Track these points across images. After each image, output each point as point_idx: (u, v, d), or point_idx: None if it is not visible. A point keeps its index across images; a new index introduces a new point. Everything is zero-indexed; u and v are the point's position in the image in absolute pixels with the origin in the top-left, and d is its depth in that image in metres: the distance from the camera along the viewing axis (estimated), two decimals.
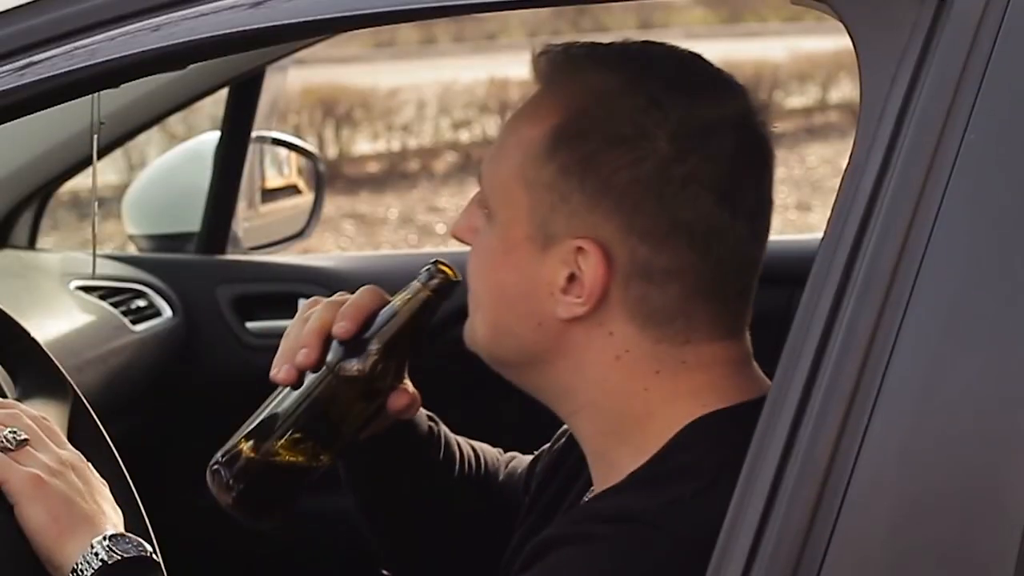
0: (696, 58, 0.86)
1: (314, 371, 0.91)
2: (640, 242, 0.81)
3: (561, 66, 0.85)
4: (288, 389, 0.92)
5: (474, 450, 1.03)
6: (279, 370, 0.91)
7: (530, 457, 1.03)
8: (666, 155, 0.80)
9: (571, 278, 0.82)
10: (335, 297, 0.93)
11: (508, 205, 0.84)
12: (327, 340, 0.91)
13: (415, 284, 0.91)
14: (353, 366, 0.90)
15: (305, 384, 0.91)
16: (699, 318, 0.83)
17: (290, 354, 0.91)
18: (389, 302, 0.92)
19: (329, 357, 0.91)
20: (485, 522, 1.01)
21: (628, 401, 0.84)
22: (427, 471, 0.99)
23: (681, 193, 0.80)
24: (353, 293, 0.92)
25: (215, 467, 0.92)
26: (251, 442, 0.91)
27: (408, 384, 0.94)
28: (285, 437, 0.91)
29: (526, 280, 0.84)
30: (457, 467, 1.00)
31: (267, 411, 0.92)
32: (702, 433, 0.82)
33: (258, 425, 0.92)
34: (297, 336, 0.92)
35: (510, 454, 1.05)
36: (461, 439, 1.03)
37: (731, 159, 0.82)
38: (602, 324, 0.83)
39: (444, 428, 1.01)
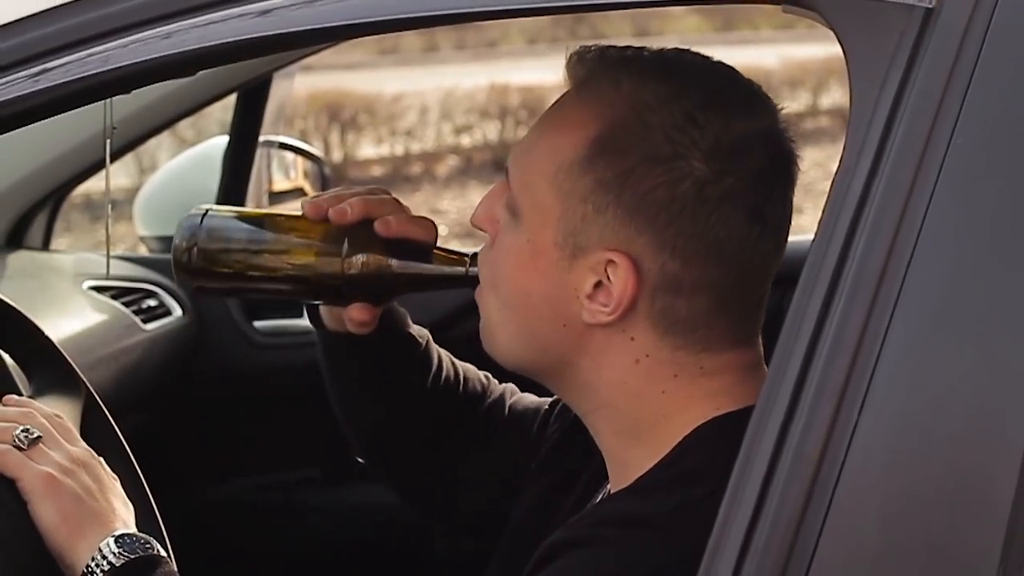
0: (729, 71, 0.86)
1: (337, 230, 0.92)
2: (671, 257, 0.82)
3: (596, 71, 0.84)
4: (305, 221, 0.93)
5: (455, 366, 1.04)
6: (315, 202, 0.93)
7: (533, 399, 1.03)
8: (702, 176, 0.81)
9: (598, 284, 0.83)
10: (404, 205, 0.95)
11: (538, 210, 0.84)
12: (368, 222, 0.92)
13: (464, 257, 0.92)
14: (359, 260, 0.92)
15: (317, 233, 0.92)
16: (720, 328, 0.84)
17: (335, 201, 0.93)
18: (434, 246, 0.93)
19: (351, 235, 0.92)
20: (460, 433, 1.02)
21: (645, 403, 0.85)
22: (398, 366, 1.00)
23: (715, 212, 0.81)
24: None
25: (193, 240, 0.92)
26: (235, 243, 0.93)
27: (378, 311, 0.95)
28: (264, 259, 0.92)
29: (552, 285, 0.84)
30: (432, 373, 1.01)
31: (274, 228, 0.93)
32: (712, 436, 0.83)
33: (252, 231, 0.93)
34: (354, 195, 0.94)
35: (509, 386, 1.05)
36: (446, 354, 1.04)
37: (763, 176, 0.82)
38: (625, 330, 0.84)
39: (430, 339, 1.02)
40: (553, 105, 0.87)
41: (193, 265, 0.93)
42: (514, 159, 0.87)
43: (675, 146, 0.81)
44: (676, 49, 0.87)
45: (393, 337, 1.00)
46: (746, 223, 0.82)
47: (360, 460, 1.06)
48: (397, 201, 0.95)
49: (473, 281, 0.91)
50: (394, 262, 0.92)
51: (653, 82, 0.83)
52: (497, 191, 0.88)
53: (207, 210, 0.95)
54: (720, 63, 0.87)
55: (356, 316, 0.94)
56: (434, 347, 1.03)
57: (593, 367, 0.85)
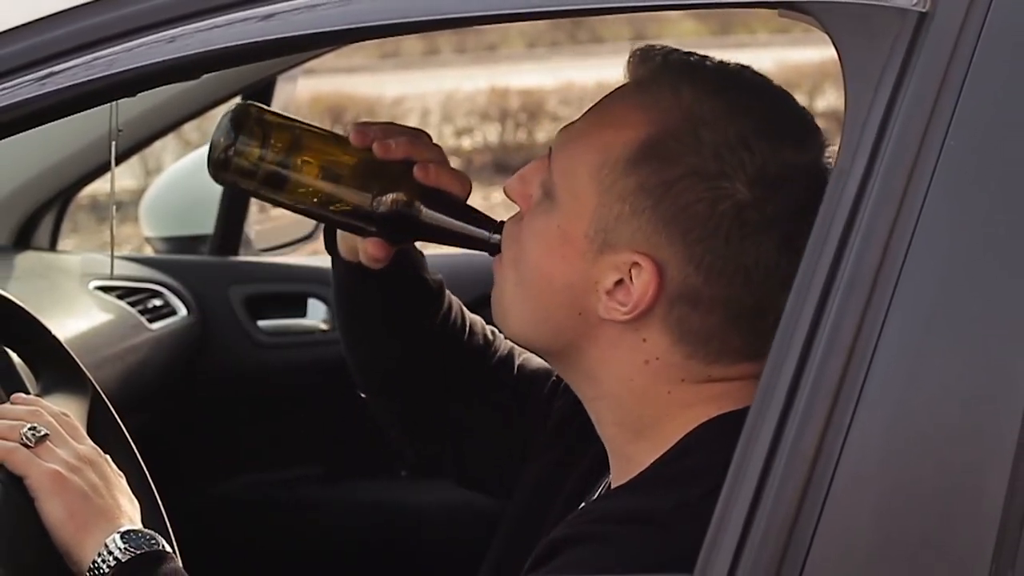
0: (785, 97, 0.87)
1: (376, 163, 0.92)
2: (696, 271, 0.82)
3: (658, 74, 0.85)
4: (346, 145, 0.93)
5: (463, 314, 1.04)
6: (362, 130, 0.93)
7: (541, 361, 1.03)
8: (743, 199, 0.81)
9: (619, 282, 0.84)
10: (449, 160, 0.95)
11: (575, 199, 0.84)
12: (407, 163, 0.92)
13: (489, 222, 0.92)
14: (390, 198, 0.92)
15: (356, 161, 0.92)
16: (734, 343, 0.84)
17: (381, 134, 0.93)
18: (466, 202, 0.93)
19: (388, 172, 0.92)
20: (468, 380, 1.02)
21: (650, 401, 0.85)
22: (409, 304, 1.00)
23: (749, 238, 0.82)
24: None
25: (231, 138, 0.91)
26: (273, 151, 0.91)
27: (393, 250, 0.95)
28: (297, 174, 0.91)
29: (573, 274, 0.85)
30: (442, 315, 1.02)
31: (314, 145, 0.92)
32: (712, 435, 0.84)
33: (293, 142, 0.92)
34: (403, 134, 0.94)
35: (518, 348, 1.05)
36: (457, 301, 1.04)
37: (801, 208, 0.82)
38: (638, 331, 0.84)
39: (443, 284, 1.03)
40: (608, 97, 0.87)
41: (228, 163, 0.92)
42: (560, 143, 0.87)
43: (723, 165, 0.81)
44: (739, 65, 0.87)
45: (406, 275, 1.00)
46: (776, 251, 0.82)
47: (363, 396, 1.06)
48: (440, 150, 0.95)
49: (494, 248, 0.91)
50: (424, 209, 0.92)
51: (712, 97, 0.83)
52: (535, 167, 0.88)
53: (253, 109, 0.94)
54: (778, 87, 0.87)
55: (372, 251, 0.94)
56: (447, 292, 1.03)
57: (600, 359, 0.86)
